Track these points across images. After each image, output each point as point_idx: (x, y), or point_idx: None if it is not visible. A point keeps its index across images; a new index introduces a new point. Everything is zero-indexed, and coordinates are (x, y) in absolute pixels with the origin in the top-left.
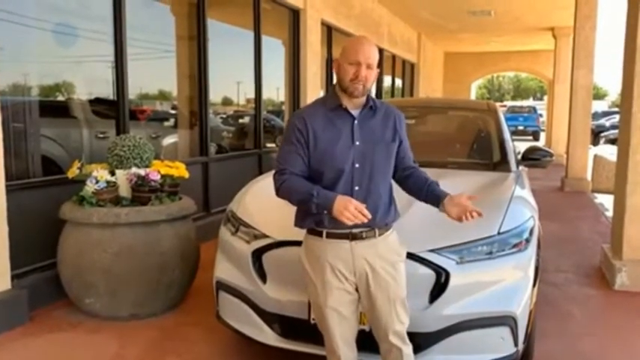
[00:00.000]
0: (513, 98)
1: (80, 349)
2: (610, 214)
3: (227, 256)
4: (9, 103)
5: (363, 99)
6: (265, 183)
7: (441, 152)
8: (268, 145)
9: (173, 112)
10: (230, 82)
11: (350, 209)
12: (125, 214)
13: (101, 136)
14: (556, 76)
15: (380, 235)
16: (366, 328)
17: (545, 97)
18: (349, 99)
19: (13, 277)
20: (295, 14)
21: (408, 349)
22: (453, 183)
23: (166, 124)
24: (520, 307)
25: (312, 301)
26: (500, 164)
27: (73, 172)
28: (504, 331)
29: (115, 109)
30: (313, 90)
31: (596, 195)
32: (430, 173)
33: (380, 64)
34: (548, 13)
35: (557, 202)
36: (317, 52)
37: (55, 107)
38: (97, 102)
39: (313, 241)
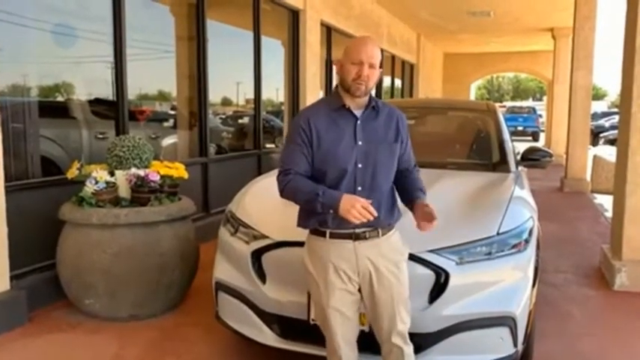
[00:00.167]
0: (513, 99)
1: (79, 349)
2: (609, 214)
3: (226, 257)
4: (8, 104)
5: (366, 99)
6: (264, 183)
7: (441, 153)
8: (268, 145)
9: (172, 112)
10: (229, 82)
11: (357, 207)
12: (125, 214)
13: (100, 136)
14: (555, 76)
15: (383, 235)
16: (365, 328)
17: (545, 98)
18: (352, 99)
19: (12, 278)
20: (295, 15)
21: (409, 349)
22: (452, 183)
23: (166, 124)
24: (519, 308)
25: (314, 301)
26: (500, 165)
27: (72, 172)
28: (504, 332)
29: (114, 110)
30: (313, 90)
31: (596, 195)
32: (430, 174)
33: (380, 65)
34: (548, 13)
35: (557, 203)
36: (316, 52)
37: (54, 108)
38: (96, 102)
39: (316, 241)
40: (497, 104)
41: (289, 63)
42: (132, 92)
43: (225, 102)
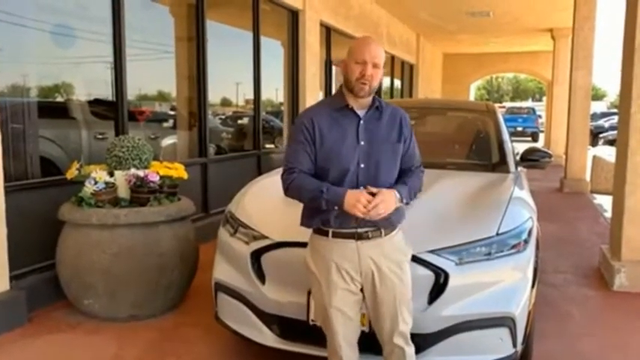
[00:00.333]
0: (512, 99)
1: (79, 350)
2: (609, 214)
3: (226, 257)
4: (8, 104)
5: (369, 99)
6: (264, 184)
7: (440, 153)
8: (267, 146)
9: (172, 113)
10: (229, 83)
11: (362, 201)
12: (124, 215)
13: (100, 137)
14: (555, 77)
15: (386, 235)
16: (365, 329)
17: (544, 98)
18: (355, 99)
19: (11, 278)
20: (294, 15)
21: (410, 350)
22: (451, 184)
23: (165, 125)
24: (519, 308)
25: (316, 301)
26: (499, 165)
27: (71, 173)
28: (503, 332)
29: (113, 110)
30: (312, 91)
31: (595, 196)
32: (429, 174)
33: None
34: (547, 14)
35: (556, 203)
36: (316, 53)
37: (53, 108)
38: (95, 103)
39: (319, 240)
40: (496, 105)
41: (289, 63)
42: (131, 93)
43: (225, 102)
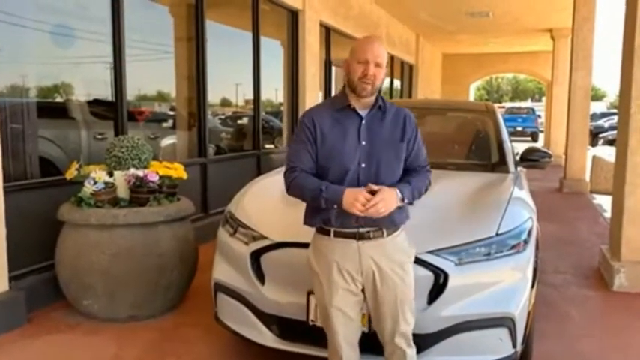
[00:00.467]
0: (512, 99)
1: (78, 350)
2: (608, 215)
3: (225, 258)
4: (7, 105)
5: (372, 99)
6: (264, 184)
7: (440, 153)
8: (267, 146)
9: (171, 113)
10: (229, 83)
11: (360, 200)
12: (123, 215)
13: (99, 137)
14: (554, 77)
15: (388, 235)
16: (365, 329)
17: (544, 99)
18: (358, 99)
19: (11, 279)
20: (294, 15)
21: (412, 351)
22: (451, 184)
23: (165, 125)
24: (518, 308)
25: (317, 300)
26: (499, 165)
27: (71, 173)
28: (503, 332)
29: (113, 111)
30: (312, 91)
31: (595, 196)
32: None
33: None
34: (547, 14)
35: (556, 203)
36: (315, 53)
37: (53, 108)
38: (95, 103)
39: (321, 240)
40: (496, 105)
41: (288, 63)
42: (131, 93)
43: (225, 102)
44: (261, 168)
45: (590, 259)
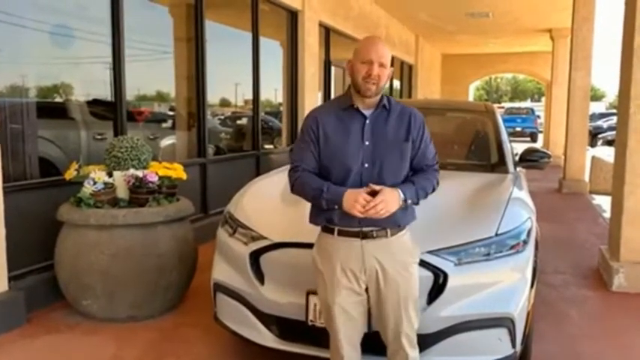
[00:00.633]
0: (511, 100)
1: (78, 350)
2: (608, 215)
3: (225, 258)
4: (7, 105)
5: (377, 99)
6: (263, 184)
7: (439, 153)
8: (266, 146)
9: (171, 113)
10: (228, 83)
11: (360, 201)
12: (123, 215)
13: (99, 137)
14: (554, 77)
15: (392, 235)
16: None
17: (543, 99)
18: (362, 99)
19: (10, 279)
20: (293, 16)
21: (415, 352)
22: (450, 184)
23: (164, 125)
24: (518, 309)
25: (320, 299)
26: (498, 166)
27: (70, 173)
28: (502, 333)
29: (112, 111)
30: (311, 91)
31: (594, 196)
32: None
33: (391, 64)
34: (546, 14)
35: (555, 204)
36: (315, 53)
37: (52, 108)
38: (94, 103)
39: (326, 238)
40: (495, 105)
41: (288, 64)
42: (130, 93)
43: (224, 103)
44: (260, 168)
45: (589, 260)
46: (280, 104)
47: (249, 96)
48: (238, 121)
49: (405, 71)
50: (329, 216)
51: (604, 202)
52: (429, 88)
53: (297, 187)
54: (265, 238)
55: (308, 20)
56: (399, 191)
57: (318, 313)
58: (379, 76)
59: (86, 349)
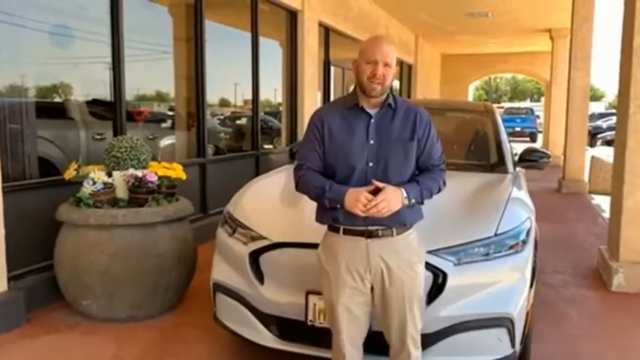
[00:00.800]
0: (511, 100)
1: (77, 350)
2: (607, 215)
3: (224, 258)
4: (6, 105)
5: (382, 98)
6: (262, 184)
7: None
8: (266, 146)
9: (170, 113)
10: (227, 83)
11: (361, 200)
12: (122, 215)
13: (98, 137)
14: (553, 77)
15: (398, 234)
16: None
17: (543, 99)
18: (367, 98)
19: (9, 279)
20: (293, 16)
21: (418, 352)
22: (450, 184)
23: (164, 125)
24: (517, 309)
25: (324, 297)
26: (498, 165)
27: (69, 173)
28: (501, 333)
29: (112, 111)
30: (310, 91)
31: (593, 196)
32: None
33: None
34: (546, 14)
35: (555, 204)
36: (314, 53)
37: (52, 108)
38: (94, 103)
39: (331, 237)
40: (494, 105)
41: (287, 64)
42: (130, 93)
43: (223, 103)
44: (259, 168)
45: (588, 260)
46: (280, 104)
47: (249, 96)
48: (238, 121)
49: (405, 71)
50: (334, 215)
51: (603, 202)
52: (428, 88)
53: (301, 185)
54: (265, 238)
55: (307, 20)
56: (402, 190)
57: (318, 313)
58: (384, 75)
59: (86, 349)
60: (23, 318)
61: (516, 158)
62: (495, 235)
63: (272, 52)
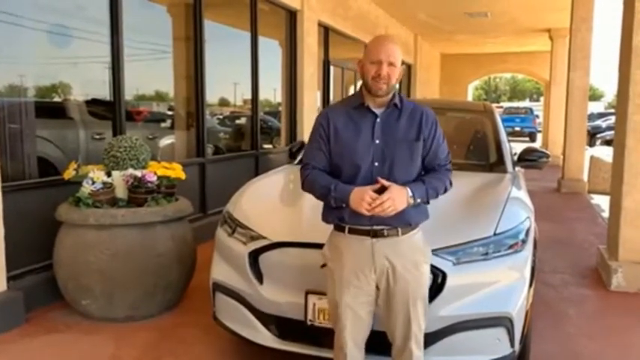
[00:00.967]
0: (510, 99)
1: (76, 350)
2: (606, 215)
3: (224, 258)
4: (5, 104)
5: (388, 97)
6: (262, 184)
7: None
8: (265, 146)
9: (170, 113)
10: (227, 83)
11: (366, 199)
12: (122, 215)
13: (97, 137)
14: (552, 77)
15: (403, 234)
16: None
17: (542, 99)
18: (373, 98)
19: (9, 279)
20: (292, 15)
21: (420, 352)
22: None
23: (163, 125)
24: (516, 308)
25: (328, 296)
26: (497, 165)
27: (69, 173)
28: (501, 332)
29: (111, 110)
30: (310, 91)
31: (593, 196)
32: None
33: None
34: (545, 14)
35: (554, 203)
36: (314, 53)
37: (51, 108)
38: (93, 103)
39: (337, 236)
40: (494, 105)
41: (286, 63)
42: (129, 93)
43: (223, 102)
44: (259, 168)
45: (588, 259)
46: (279, 104)
47: (248, 96)
48: (237, 121)
49: (404, 71)
50: (340, 214)
51: (603, 202)
52: (427, 88)
53: (306, 184)
54: (264, 237)
55: (307, 20)
56: (408, 189)
57: (317, 312)
58: (389, 75)
59: (85, 349)
60: (22, 318)
61: (515, 158)
62: (494, 234)
63: (271, 51)
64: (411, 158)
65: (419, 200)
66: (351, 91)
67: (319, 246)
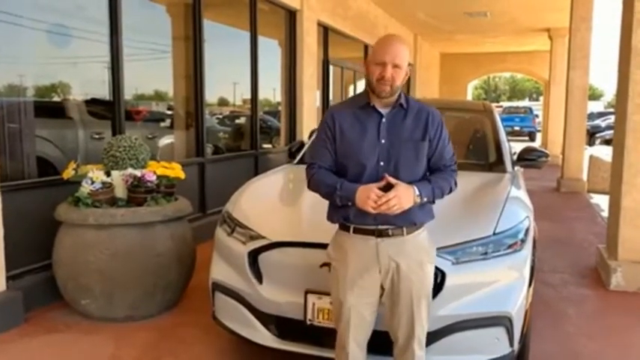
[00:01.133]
0: (509, 99)
1: (76, 350)
2: (606, 214)
3: (223, 257)
4: (4, 104)
5: (394, 98)
6: (261, 184)
7: None
8: (264, 145)
9: (169, 112)
10: (226, 82)
11: (372, 197)
12: (121, 215)
13: (97, 136)
14: (552, 77)
15: (408, 233)
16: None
17: (541, 98)
18: (378, 98)
19: (8, 279)
20: (292, 15)
21: (422, 352)
22: None
23: (162, 124)
24: (515, 308)
25: (332, 295)
26: (496, 165)
27: (68, 173)
28: (500, 332)
29: (110, 110)
30: (309, 91)
31: (592, 195)
32: None
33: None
34: (544, 14)
35: (553, 203)
36: (313, 53)
37: (50, 108)
38: (92, 102)
39: (342, 236)
40: (493, 104)
41: (286, 63)
42: (128, 92)
43: (222, 102)
44: (258, 168)
45: (587, 259)
46: (279, 104)
47: (248, 95)
48: (237, 121)
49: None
50: (345, 213)
51: (602, 201)
52: (427, 88)
53: (312, 184)
54: (264, 237)
55: (306, 20)
56: (415, 188)
57: (317, 312)
58: (393, 78)
59: (85, 349)
60: (22, 317)
61: (515, 157)
62: (494, 234)
63: (271, 51)
64: (417, 158)
65: (425, 199)
66: (351, 90)
67: (319, 245)
